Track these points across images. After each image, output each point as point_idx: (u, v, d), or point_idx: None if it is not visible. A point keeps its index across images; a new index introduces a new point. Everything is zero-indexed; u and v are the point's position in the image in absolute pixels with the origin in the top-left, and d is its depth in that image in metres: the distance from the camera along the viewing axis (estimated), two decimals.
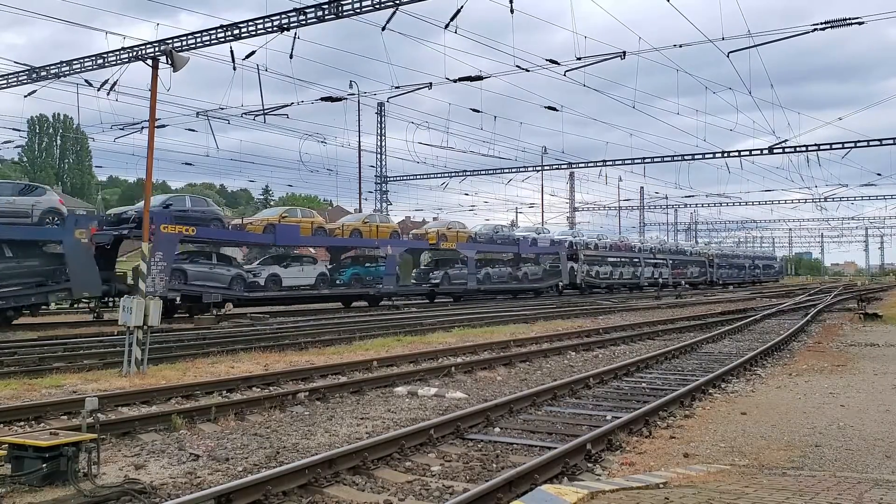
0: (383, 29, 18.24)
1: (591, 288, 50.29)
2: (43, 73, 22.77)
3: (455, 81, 23.87)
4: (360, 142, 48.32)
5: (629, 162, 46.39)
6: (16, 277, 22.42)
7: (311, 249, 37.97)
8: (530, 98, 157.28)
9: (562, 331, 21.08)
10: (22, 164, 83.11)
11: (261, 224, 30.14)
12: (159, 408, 9.88)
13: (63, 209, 24.22)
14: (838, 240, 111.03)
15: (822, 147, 37.89)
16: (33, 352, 15.55)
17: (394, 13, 17.76)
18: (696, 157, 41.86)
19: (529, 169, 50.14)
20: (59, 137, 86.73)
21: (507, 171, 49.97)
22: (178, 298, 25.60)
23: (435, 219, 44.47)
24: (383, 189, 54.17)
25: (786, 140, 36.49)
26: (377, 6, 17.56)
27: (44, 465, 6.22)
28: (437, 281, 38.33)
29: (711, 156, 41.23)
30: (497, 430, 8.70)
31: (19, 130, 46.78)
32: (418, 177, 53.54)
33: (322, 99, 28.21)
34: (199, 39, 19.46)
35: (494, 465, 7.08)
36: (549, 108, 32.68)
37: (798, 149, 37.83)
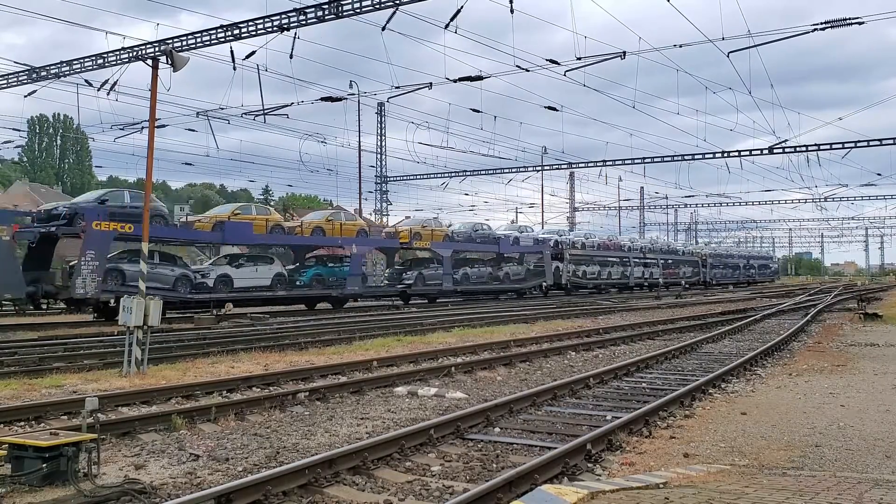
0: (383, 29, 18.27)
1: (577, 288, 48.89)
2: (43, 73, 22.79)
3: (455, 81, 23.89)
4: (360, 142, 48.42)
5: (629, 162, 46.47)
6: None
7: (282, 249, 36.14)
8: (530, 98, 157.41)
9: (562, 331, 21.08)
10: (22, 164, 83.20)
11: (210, 221, 28.68)
12: (159, 408, 9.87)
13: None
14: (838, 240, 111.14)
15: (822, 147, 37.93)
16: (33, 352, 15.55)
17: (394, 13, 17.79)
18: (696, 157, 41.90)
19: (529, 169, 50.19)
20: (59, 137, 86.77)
21: (507, 171, 50.02)
22: (112, 300, 23.97)
23: (407, 217, 42.78)
24: (383, 189, 54.25)
25: (786, 140, 36.57)
26: (377, 6, 17.58)
27: (44, 465, 6.22)
28: (411, 281, 36.38)
29: (711, 156, 41.27)
30: (497, 430, 8.70)
31: (19, 130, 46.88)
32: (418, 177, 53.60)
33: (322, 99, 28.23)
34: (199, 39, 19.50)
35: (494, 465, 7.08)
36: (549, 108, 32.71)
37: (798, 149, 37.89)
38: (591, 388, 11.47)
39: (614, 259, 54.19)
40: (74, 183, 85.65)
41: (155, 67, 15.72)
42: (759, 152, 38.87)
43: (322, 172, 46.77)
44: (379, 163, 53.09)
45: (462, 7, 17.36)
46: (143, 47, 19.35)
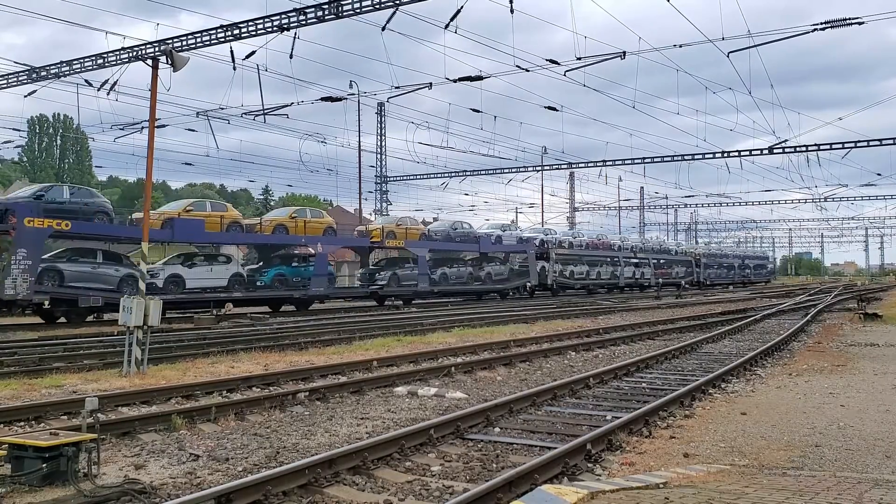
0: (383, 29, 18.28)
1: (563, 289, 47.83)
2: (43, 73, 22.80)
3: (455, 81, 23.91)
4: (360, 142, 48.42)
5: (629, 162, 46.51)
6: None
7: (246, 249, 34.97)
8: (530, 98, 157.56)
9: (562, 331, 21.08)
10: (22, 164, 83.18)
11: (160, 218, 27.10)
12: (159, 408, 9.87)
13: None
14: (838, 240, 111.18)
15: (822, 147, 37.96)
16: (33, 352, 15.55)
17: (394, 13, 17.80)
18: (696, 157, 41.93)
19: (529, 169, 50.20)
20: (59, 137, 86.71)
21: (507, 171, 50.04)
22: (46, 302, 22.91)
23: (380, 213, 41.71)
24: (383, 189, 54.24)
25: (786, 140, 36.62)
26: (377, 6, 17.59)
27: (44, 465, 6.21)
28: (384, 282, 34.91)
29: (711, 156, 41.30)
30: (497, 430, 8.69)
31: (19, 130, 47.11)
32: (418, 177, 53.62)
33: (322, 99, 28.26)
34: (199, 39, 19.51)
35: (494, 465, 7.08)
36: (549, 108, 32.75)
37: (798, 149, 37.92)
38: (591, 388, 11.47)
39: (603, 259, 53.02)
40: (74, 183, 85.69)
41: (155, 67, 15.73)
42: (759, 152, 38.93)
43: (322, 172, 46.85)
44: (379, 163, 53.13)
45: (462, 7, 17.41)
46: (143, 47, 19.36)
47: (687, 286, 59.01)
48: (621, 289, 53.76)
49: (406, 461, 7.24)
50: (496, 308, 32.32)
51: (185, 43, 19.49)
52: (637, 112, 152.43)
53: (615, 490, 5.71)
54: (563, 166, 51.31)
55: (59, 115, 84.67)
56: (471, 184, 71.21)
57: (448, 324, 22.78)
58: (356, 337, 18.78)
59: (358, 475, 6.71)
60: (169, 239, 27.44)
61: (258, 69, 20.96)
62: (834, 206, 69.83)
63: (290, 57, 19.63)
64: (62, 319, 24.38)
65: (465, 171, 50.97)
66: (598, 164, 48.09)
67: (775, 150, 37.11)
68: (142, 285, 14.72)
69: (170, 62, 14.98)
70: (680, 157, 43.23)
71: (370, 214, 54.44)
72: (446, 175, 50.61)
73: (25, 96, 24.73)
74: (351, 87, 39.58)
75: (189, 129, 34.49)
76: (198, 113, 29.13)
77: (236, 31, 19.12)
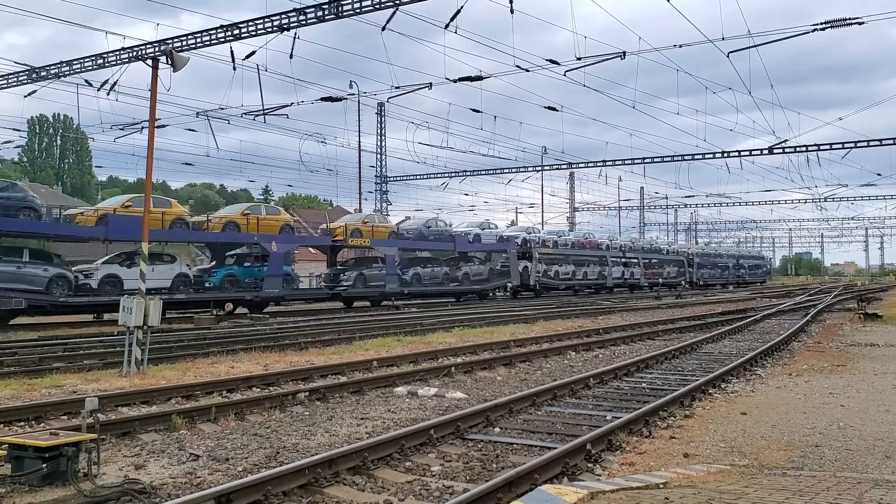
0: (383, 29, 18.28)
1: (547, 289, 46.19)
2: (43, 73, 22.80)
3: (455, 81, 23.92)
4: (360, 142, 48.43)
5: (629, 162, 46.52)
6: None
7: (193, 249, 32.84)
8: (530, 98, 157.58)
9: (562, 331, 21.09)
10: (22, 164, 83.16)
11: (95, 215, 25.68)
12: (159, 408, 9.87)
13: None
14: (838, 240, 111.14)
15: (822, 147, 37.96)
16: (33, 352, 15.56)
17: (394, 13, 17.80)
18: (696, 157, 41.93)
19: (529, 169, 50.20)
20: (59, 137, 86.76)
21: (507, 171, 50.03)
22: None
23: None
24: (383, 189, 54.24)
25: (786, 140, 36.63)
26: (377, 6, 17.59)
27: (44, 466, 6.21)
28: (350, 283, 33.20)
29: (711, 156, 41.30)
30: (497, 430, 8.69)
31: (19, 130, 47.05)
32: (418, 177, 53.61)
33: (322, 99, 28.28)
34: (199, 39, 19.51)
35: (494, 465, 7.08)
36: (549, 108, 32.76)
37: (798, 149, 37.93)
38: (591, 388, 11.47)
39: (591, 258, 51.23)
40: (74, 183, 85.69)
41: (155, 67, 15.73)
42: (759, 152, 38.94)
43: (322, 172, 46.82)
44: (379, 163, 53.11)
45: (462, 7, 17.41)
46: (143, 47, 19.36)
47: (687, 286, 58.84)
48: (609, 289, 52.21)
49: (406, 461, 7.24)
50: (496, 308, 32.34)
51: (185, 43, 19.50)
52: (637, 112, 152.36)
53: (615, 490, 5.71)
54: (563, 166, 51.32)
55: (59, 115, 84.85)
56: (471, 184, 71.31)
57: (448, 324, 22.79)
58: (356, 337, 18.79)
59: (358, 475, 6.71)
60: (103, 236, 25.73)
61: (258, 69, 21.00)
62: (834, 206, 69.88)
63: (290, 57, 19.65)
64: None
65: (465, 171, 51.00)
66: (598, 164, 48.13)
67: (775, 150, 37.12)
68: (141, 286, 14.70)
69: (170, 62, 14.98)
70: (680, 157, 43.24)
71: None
72: (446, 175, 50.63)
73: (25, 96, 24.73)
74: (351, 87, 39.61)
75: (189, 129, 34.49)
76: (198, 113, 29.16)
77: (236, 31, 19.12)
